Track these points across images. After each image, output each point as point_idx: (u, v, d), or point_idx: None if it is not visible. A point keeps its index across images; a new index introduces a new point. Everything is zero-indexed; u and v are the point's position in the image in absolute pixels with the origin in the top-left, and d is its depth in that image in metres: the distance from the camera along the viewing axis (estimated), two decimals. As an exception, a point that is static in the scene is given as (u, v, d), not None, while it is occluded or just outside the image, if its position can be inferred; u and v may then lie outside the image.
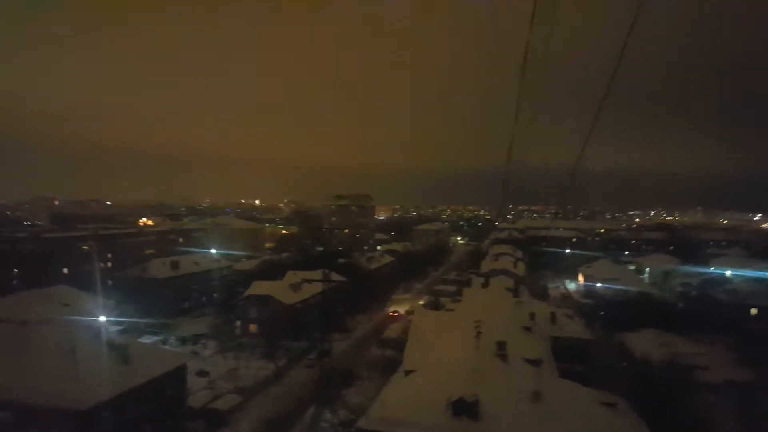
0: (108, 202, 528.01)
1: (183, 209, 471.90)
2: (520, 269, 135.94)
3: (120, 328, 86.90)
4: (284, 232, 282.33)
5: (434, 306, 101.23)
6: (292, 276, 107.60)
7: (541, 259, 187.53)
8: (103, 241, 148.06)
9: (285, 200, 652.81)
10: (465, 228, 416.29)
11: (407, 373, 49.25)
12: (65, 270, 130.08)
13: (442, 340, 55.46)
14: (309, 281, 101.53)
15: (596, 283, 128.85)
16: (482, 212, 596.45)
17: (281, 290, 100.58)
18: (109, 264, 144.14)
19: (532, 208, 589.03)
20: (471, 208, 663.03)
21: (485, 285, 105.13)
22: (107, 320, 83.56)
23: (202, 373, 75.24)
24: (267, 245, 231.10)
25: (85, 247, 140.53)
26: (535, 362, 48.81)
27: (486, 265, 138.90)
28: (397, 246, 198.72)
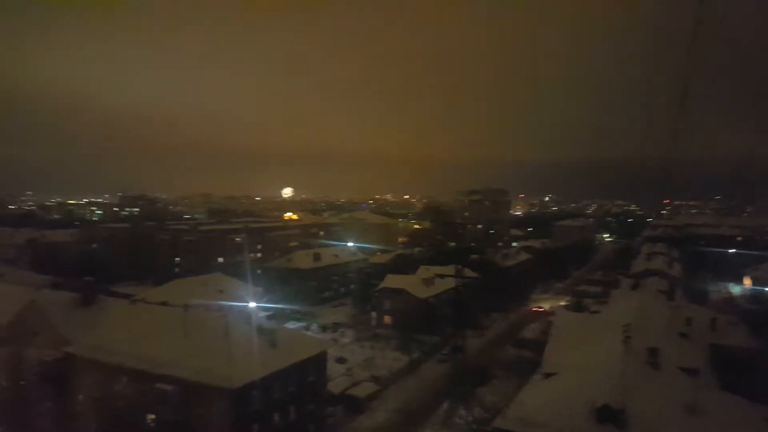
0: (257, 198, 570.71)
1: (323, 204, 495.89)
2: (676, 270, 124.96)
3: (268, 313, 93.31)
4: (416, 227, 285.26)
5: (577, 307, 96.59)
6: (425, 270, 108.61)
7: (700, 259, 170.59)
8: (252, 234, 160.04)
9: (417, 195, 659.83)
10: (612, 224, 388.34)
11: (547, 375, 47.45)
12: (220, 259, 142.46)
13: (585, 344, 52.43)
14: (441, 276, 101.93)
15: (765, 287, 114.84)
16: (632, 207, 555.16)
17: (414, 284, 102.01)
18: (258, 254, 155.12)
19: (690, 203, 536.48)
20: (620, 203, 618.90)
21: (635, 286, 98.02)
22: (256, 306, 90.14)
23: (340, 360, 78.70)
24: (400, 240, 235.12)
25: (237, 239, 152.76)
26: (691, 372, 44.68)
27: (637, 265, 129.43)
28: (534, 243, 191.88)
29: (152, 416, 46.26)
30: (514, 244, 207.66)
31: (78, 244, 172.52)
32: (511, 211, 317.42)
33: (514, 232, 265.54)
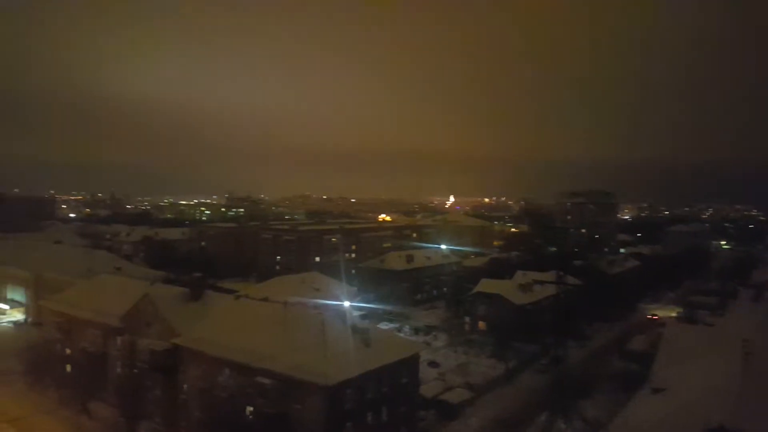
0: (352, 199, 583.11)
1: (416, 206, 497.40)
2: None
3: (361, 313, 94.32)
4: (513, 230, 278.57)
5: (689, 319, 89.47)
6: (522, 276, 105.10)
7: None
8: (347, 234, 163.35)
9: (515, 197, 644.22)
10: (730, 230, 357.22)
11: (655, 390, 44.04)
12: (317, 258, 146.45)
13: (699, 358, 48.23)
14: (540, 283, 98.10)
15: None
16: (753, 212, 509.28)
17: (510, 290, 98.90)
18: (353, 255, 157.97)
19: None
20: (738, 207, 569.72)
21: (757, 298, 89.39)
22: (351, 305, 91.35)
23: (433, 364, 77.73)
24: (495, 243, 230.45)
25: (333, 239, 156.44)
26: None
27: (759, 275, 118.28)
28: (643, 249, 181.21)
29: (251, 408, 47.73)
30: (622, 250, 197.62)
31: (188, 241, 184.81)
32: (618, 215, 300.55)
33: (622, 237, 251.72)
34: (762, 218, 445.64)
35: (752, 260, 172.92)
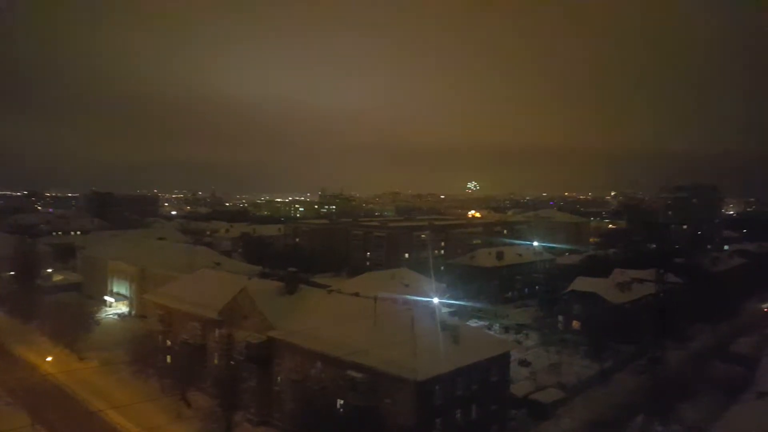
0: (442, 196, 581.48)
1: (507, 202, 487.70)
2: None
3: (450, 309, 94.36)
4: (611, 226, 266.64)
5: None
6: (620, 274, 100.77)
7: None
8: (436, 231, 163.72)
9: (613, 192, 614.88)
10: None
11: (761, 395, 41.20)
12: (406, 254, 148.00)
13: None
14: (640, 281, 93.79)
15: None
16: None
17: (607, 288, 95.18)
18: (442, 251, 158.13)
19: None
20: None
21: None
22: (439, 301, 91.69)
23: (524, 363, 76.47)
24: (591, 240, 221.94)
25: (422, 236, 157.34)
26: None
27: None
28: (750, 246, 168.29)
29: (342, 401, 49.40)
30: (726, 246, 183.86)
31: (283, 237, 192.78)
32: (722, 210, 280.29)
33: (727, 233, 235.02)
34: None
35: None
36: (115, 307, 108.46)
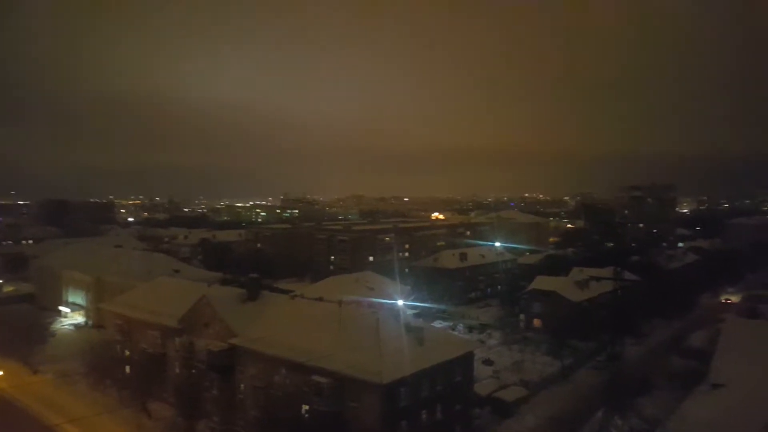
0: (405, 198, 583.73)
1: (470, 204, 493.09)
2: None
3: (415, 311, 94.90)
4: (569, 226, 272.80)
5: (751, 314, 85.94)
6: (578, 272, 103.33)
7: None
8: (401, 233, 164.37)
9: (571, 193, 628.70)
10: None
11: (715, 386, 42.81)
12: (370, 258, 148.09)
13: (760, 355, 46.55)
14: (597, 279, 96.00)
15: None
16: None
17: (566, 286, 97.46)
18: (406, 254, 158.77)
19: None
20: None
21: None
22: (404, 304, 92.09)
23: (487, 362, 77.47)
24: (551, 240, 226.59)
25: (387, 239, 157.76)
26: None
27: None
28: (703, 243, 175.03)
29: (307, 407, 48.98)
30: (680, 244, 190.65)
31: (244, 243, 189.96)
32: (676, 209, 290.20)
33: (681, 231, 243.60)
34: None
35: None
36: (71, 318, 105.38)
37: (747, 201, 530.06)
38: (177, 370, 63.17)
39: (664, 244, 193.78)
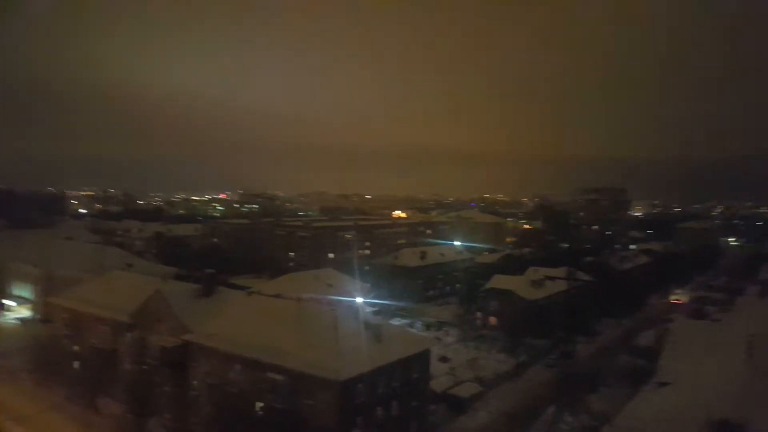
0: (367, 196, 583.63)
1: (431, 203, 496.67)
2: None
3: (374, 309, 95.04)
4: (527, 227, 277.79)
5: (697, 314, 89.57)
6: (534, 272, 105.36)
7: None
8: (362, 231, 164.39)
9: (529, 194, 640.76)
10: (740, 227, 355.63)
11: (661, 384, 44.55)
12: (331, 255, 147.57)
13: (704, 353, 48.69)
14: (552, 278, 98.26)
15: None
16: (763, 210, 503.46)
17: (522, 286, 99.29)
18: (367, 251, 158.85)
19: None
20: (749, 204, 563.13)
21: (763, 294, 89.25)
22: (363, 301, 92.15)
23: (444, 359, 78.38)
24: (508, 240, 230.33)
25: (348, 236, 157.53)
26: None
27: (767, 272, 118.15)
28: (654, 245, 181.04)
29: (262, 404, 48.57)
30: (632, 246, 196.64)
31: (200, 238, 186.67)
32: (629, 212, 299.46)
33: (633, 233, 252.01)
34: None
35: (760, 257, 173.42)
36: (17, 312, 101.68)
37: (697, 206, 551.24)
38: (128, 366, 61.57)
39: (617, 245, 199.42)
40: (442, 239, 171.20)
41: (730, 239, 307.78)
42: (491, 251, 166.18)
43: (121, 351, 62.95)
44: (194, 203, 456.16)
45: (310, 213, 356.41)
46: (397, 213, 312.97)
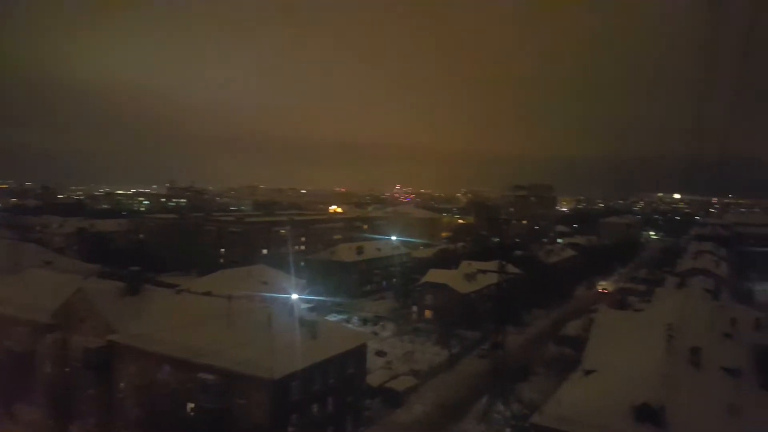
0: (303, 191, 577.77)
1: (367, 198, 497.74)
2: (723, 269, 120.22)
3: (310, 305, 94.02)
4: (461, 222, 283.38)
5: (620, 305, 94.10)
6: (467, 266, 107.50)
7: (749, 258, 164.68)
8: (297, 226, 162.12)
9: (463, 190, 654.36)
10: (660, 222, 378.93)
11: (587, 372, 46.40)
12: (264, 251, 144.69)
13: (627, 342, 51.26)
14: (484, 272, 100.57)
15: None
16: (680, 205, 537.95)
17: (456, 279, 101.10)
18: (302, 247, 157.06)
19: (740, 201, 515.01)
20: (668, 200, 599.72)
21: (681, 285, 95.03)
22: (299, 298, 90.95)
23: (380, 353, 78.67)
24: (443, 234, 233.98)
25: (282, 231, 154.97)
26: (733, 372, 42.98)
27: (683, 264, 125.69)
28: (580, 239, 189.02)
29: (192, 405, 47.03)
30: (559, 240, 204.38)
31: (125, 233, 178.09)
32: (557, 207, 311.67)
33: (560, 228, 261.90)
34: (687, 210, 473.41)
35: (678, 250, 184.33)
36: None
37: (621, 201, 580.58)
38: (48, 370, 57.94)
39: (545, 239, 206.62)
40: (379, 234, 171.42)
41: (651, 233, 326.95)
42: (427, 246, 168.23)
43: (41, 353, 58.93)
44: (119, 197, 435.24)
45: (242, 207, 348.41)
46: (334, 208, 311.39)
